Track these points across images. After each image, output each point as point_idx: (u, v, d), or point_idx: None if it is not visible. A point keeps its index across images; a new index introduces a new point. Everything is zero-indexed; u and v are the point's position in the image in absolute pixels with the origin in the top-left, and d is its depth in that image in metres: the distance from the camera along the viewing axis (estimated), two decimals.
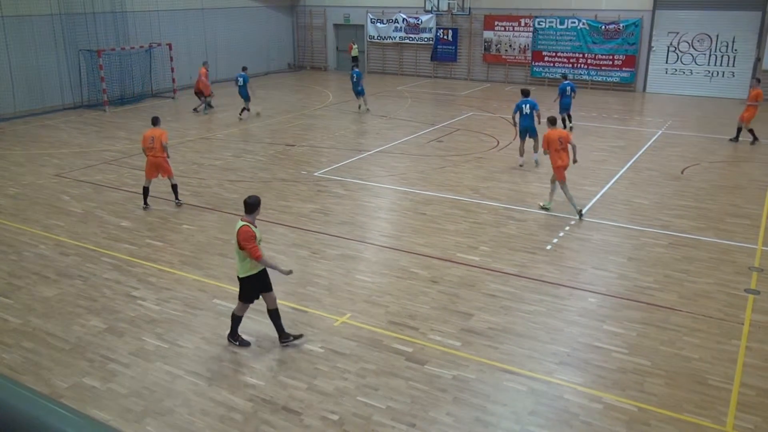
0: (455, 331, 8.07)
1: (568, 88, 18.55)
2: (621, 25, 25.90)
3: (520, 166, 15.39)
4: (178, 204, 12.75)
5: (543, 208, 12.46)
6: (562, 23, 27.06)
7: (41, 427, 1.61)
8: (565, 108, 18.71)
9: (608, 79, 26.73)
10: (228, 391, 6.88)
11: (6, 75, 20.90)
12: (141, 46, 24.42)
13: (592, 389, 6.91)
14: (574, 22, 26.81)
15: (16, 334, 8.03)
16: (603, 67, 26.78)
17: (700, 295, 8.99)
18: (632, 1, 25.70)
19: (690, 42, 25.19)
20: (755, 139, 17.83)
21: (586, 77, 27.16)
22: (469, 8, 28.74)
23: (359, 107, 22.19)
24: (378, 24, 31.37)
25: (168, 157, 12.31)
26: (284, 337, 7.71)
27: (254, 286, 7.50)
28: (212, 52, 28.29)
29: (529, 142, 15.65)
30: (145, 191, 12.58)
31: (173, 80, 25.22)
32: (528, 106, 15.56)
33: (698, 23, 24.84)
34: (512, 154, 16.66)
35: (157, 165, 12.26)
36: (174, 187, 12.72)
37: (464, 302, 8.81)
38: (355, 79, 21.70)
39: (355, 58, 30.43)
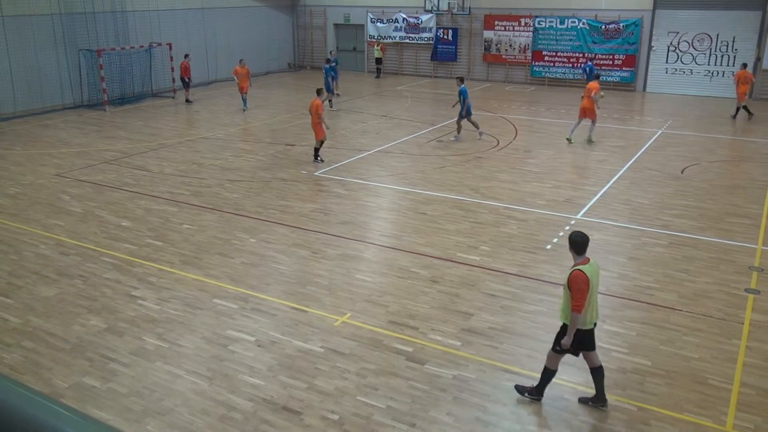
0: (455, 330, 8.08)
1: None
2: (621, 24, 25.90)
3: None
4: (318, 161, 15.60)
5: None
6: (562, 23, 27.05)
7: (41, 427, 1.61)
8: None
9: (608, 79, 26.70)
10: (228, 390, 6.89)
11: (6, 75, 20.90)
12: (141, 46, 24.42)
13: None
14: (574, 22, 26.81)
15: (16, 333, 8.03)
16: (603, 67, 26.74)
17: (700, 294, 8.99)
18: (632, 0, 25.69)
19: (690, 42, 25.19)
20: (750, 114, 20.40)
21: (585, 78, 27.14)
22: (469, 8, 28.74)
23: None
24: (378, 24, 31.36)
25: (322, 123, 15.28)
26: (599, 402, 6.56)
27: (581, 344, 6.35)
28: (212, 51, 28.29)
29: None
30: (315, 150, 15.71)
31: (173, 80, 25.20)
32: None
33: (698, 23, 24.84)
34: (512, 153, 16.67)
35: (313, 127, 15.43)
36: (316, 150, 15.64)
37: (464, 302, 8.81)
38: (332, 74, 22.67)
39: (379, 60, 30.23)
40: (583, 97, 17.70)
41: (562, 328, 6.39)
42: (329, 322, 8.28)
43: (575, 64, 27.16)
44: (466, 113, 17.60)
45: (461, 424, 6.36)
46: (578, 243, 6.27)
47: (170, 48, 24.94)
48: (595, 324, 6.36)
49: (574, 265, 6.24)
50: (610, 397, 6.74)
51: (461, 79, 18.09)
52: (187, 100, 23.63)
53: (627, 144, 17.81)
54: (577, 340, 6.29)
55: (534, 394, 6.63)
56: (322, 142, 15.67)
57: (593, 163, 15.71)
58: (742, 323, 8.26)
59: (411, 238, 11.09)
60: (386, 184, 14.22)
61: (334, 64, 23.04)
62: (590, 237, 11.00)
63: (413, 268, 9.92)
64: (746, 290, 9.16)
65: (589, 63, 25.04)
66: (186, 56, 23.52)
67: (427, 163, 15.77)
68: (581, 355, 6.47)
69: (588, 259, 6.30)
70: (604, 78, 26.69)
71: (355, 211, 12.54)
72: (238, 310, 8.59)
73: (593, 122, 17.82)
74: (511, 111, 22.43)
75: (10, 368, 7.27)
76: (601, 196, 13.32)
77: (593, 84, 17.58)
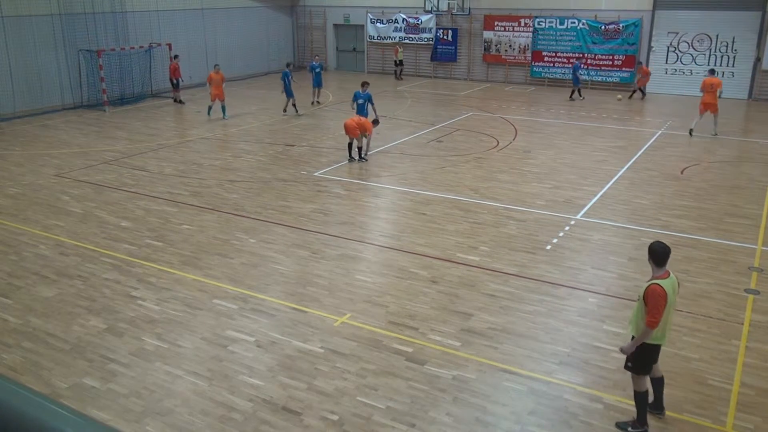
0: (455, 331, 8.07)
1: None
2: (621, 25, 25.90)
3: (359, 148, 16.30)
4: (362, 160, 15.74)
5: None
6: (561, 23, 27.05)
7: (41, 427, 1.61)
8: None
9: (608, 80, 26.72)
10: (228, 391, 6.88)
11: (6, 75, 20.89)
12: (141, 47, 24.41)
13: (592, 389, 6.91)
14: (574, 23, 26.81)
15: (16, 334, 8.03)
16: (603, 68, 26.78)
17: (700, 295, 8.99)
18: (632, 1, 25.69)
19: (690, 42, 25.19)
20: (642, 94, 24.49)
21: (586, 77, 27.13)
22: (469, 8, 28.74)
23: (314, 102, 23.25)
24: (378, 24, 31.37)
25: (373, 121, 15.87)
26: (657, 409, 6.43)
27: (650, 360, 6.15)
28: (212, 52, 28.27)
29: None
30: (349, 147, 15.79)
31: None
32: (362, 99, 16.85)
33: (698, 23, 24.83)
34: (512, 154, 16.67)
35: (358, 125, 15.46)
36: (359, 150, 15.73)
37: (464, 302, 8.81)
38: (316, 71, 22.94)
39: (400, 62, 29.97)
40: (705, 92, 18.19)
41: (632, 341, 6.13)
42: (329, 323, 8.28)
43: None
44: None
45: (461, 424, 6.36)
46: (658, 253, 5.88)
47: (170, 48, 24.93)
48: (663, 343, 6.12)
49: (652, 278, 5.88)
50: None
51: (364, 84, 17.22)
52: (177, 101, 23.64)
53: (627, 144, 17.81)
54: (645, 357, 6.04)
55: (638, 426, 6.21)
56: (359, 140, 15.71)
57: (593, 164, 15.71)
58: (742, 324, 8.26)
59: (410, 239, 11.09)
60: (386, 184, 14.22)
61: (309, 68, 22.93)
62: (590, 237, 11.08)
63: (413, 268, 9.91)
64: (746, 291, 9.16)
65: (576, 63, 25.33)
66: (175, 57, 23.51)
67: (427, 164, 15.77)
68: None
69: (668, 273, 5.93)
70: (604, 78, 26.74)
71: (354, 212, 12.53)
72: (238, 311, 8.59)
73: (716, 116, 18.28)
74: (511, 111, 22.43)
75: (10, 369, 7.27)
76: (600, 196, 13.32)
77: (716, 80, 18.29)
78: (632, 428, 6.26)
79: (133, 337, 7.95)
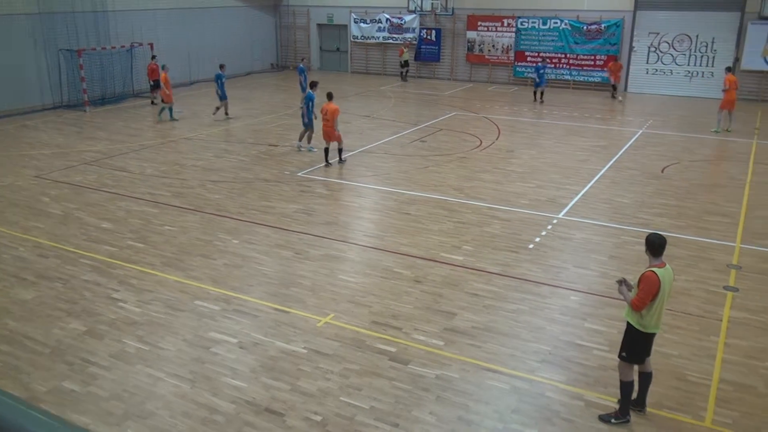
0: (438, 330, 8.09)
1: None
2: (602, 25, 26.11)
3: (308, 150, 16.71)
4: (340, 162, 15.54)
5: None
6: (544, 23, 27.21)
7: None
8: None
9: (590, 80, 26.92)
10: (210, 393, 6.84)
11: None
12: (122, 46, 24.22)
13: (574, 387, 6.96)
14: (557, 23, 26.98)
15: None
16: (585, 68, 26.97)
17: (680, 292, 9.08)
18: (613, 1, 25.90)
19: (670, 42, 25.45)
20: (614, 92, 24.93)
21: (568, 77, 27.35)
22: (453, 8, 28.82)
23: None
24: (361, 24, 31.35)
25: (335, 128, 15.04)
26: (639, 405, 6.51)
27: (643, 348, 6.30)
28: (194, 52, 28.10)
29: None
30: (325, 152, 15.46)
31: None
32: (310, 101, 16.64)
33: (678, 24, 25.10)
34: (495, 153, 16.74)
35: (328, 133, 15.12)
36: (339, 151, 15.53)
37: (447, 302, 8.83)
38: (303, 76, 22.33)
39: (405, 63, 29.35)
40: (727, 90, 18.80)
41: (627, 329, 6.28)
42: (312, 323, 8.26)
43: (557, 65, 27.33)
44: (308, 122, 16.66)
45: (444, 423, 6.38)
46: (655, 244, 6.10)
47: (152, 48, 24.75)
48: (656, 331, 6.25)
49: (649, 266, 6.10)
50: (591, 394, 6.79)
51: (313, 84, 16.80)
52: (154, 102, 23.19)
53: (608, 144, 17.95)
54: (637, 345, 6.20)
55: (620, 417, 6.36)
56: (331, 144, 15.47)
57: (575, 163, 15.82)
58: (721, 320, 8.37)
59: (394, 239, 11.10)
60: (369, 184, 14.22)
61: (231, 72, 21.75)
62: (572, 236, 11.16)
63: (396, 268, 9.92)
64: (725, 288, 9.27)
65: (539, 63, 25.06)
66: (153, 58, 23.12)
67: (411, 164, 15.79)
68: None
69: (664, 264, 6.11)
70: (586, 78, 26.94)
71: (338, 212, 12.52)
72: (220, 312, 8.55)
73: (730, 113, 19.06)
74: (494, 111, 22.52)
75: None
76: (582, 195, 13.42)
77: (733, 77, 19.05)
78: (615, 419, 6.37)
79: (114, 340, 7.88)
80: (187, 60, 27.74)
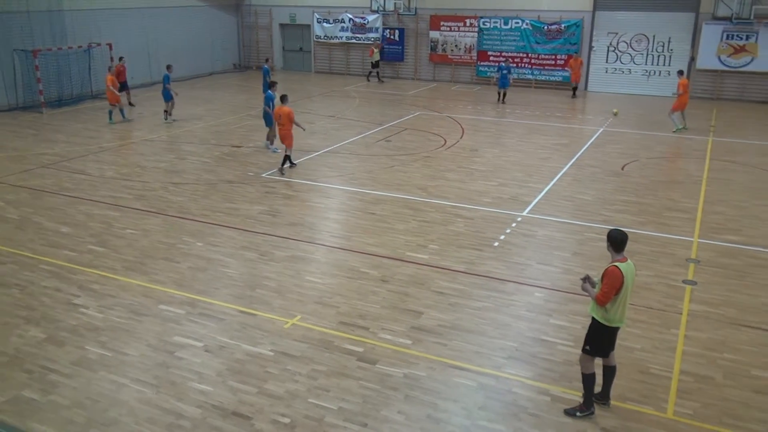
0: (405, 329, 8.11)
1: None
2: (563, 25, 26.51)
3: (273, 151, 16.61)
4: (288, 167, 14.99)
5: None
6: (506, 23, 27.52)
7: None
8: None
9: (551, 79, 27.30)
10: (175, 398, 6.74)
11: None
12: (79, 46, 23.69)
13: (540, 382, 7.06)
14: (518, 23, 27.30)
15: None
16: (546, 67, 27.35)
17: (641, 287, 9.27)
18: (573, 2, 26.33)
19: (628, 42, 25.98)
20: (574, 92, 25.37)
21: (530, 77, 27.70)
22: (416, 8, 28.94)
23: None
24: (324, 24, 31.26)
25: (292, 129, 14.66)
26: (603, 398, 6.62)
27: (606, 342, 6.39)
28: (154, 52, 27.65)
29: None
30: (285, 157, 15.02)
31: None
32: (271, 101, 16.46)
33: (636, 24, 25.65)
34: (459, 153, 16.86)
35: (284, 136, 14.71)
36: (287, 157, 14.96)
37: (414, 300, 8.86)
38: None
39: (377, 63, 28.99)
40: (681, 94, 19.05)
41: (591, 324, 6.38)
42: (279, 325, 8.21)
43: (519, 64, 27.65)
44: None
45: (412, 422, 6.40)
46: (617, 240, 6.18)
47: (110, 48, 24.28)
48: (620, 325, 6.35)
49: (612, 262, 6.20)
50: (556, 389, 6.89)
51: (272, 84, 16.75)
52: (129, 103, 22.63)
53: (570, 142, 18.24)
54: (601, 339, 6.31)
55: (585, 410, 6.48)
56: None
57: (537, 161, 16.02)
58: (681, 313, 8.57)
59: (360, 238, 11.09)
60: (334, 184, 14.18)
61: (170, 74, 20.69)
62: (535, 233, 11.30)
63: (363, 268, 9.92)
64: (684, 281, 9.50)
65: (501, 64, 24.98)
66: (120, 59, 22.68)
67: (376, 163, 15.80)
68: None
69: (626, 258, 6.22)
70: (548, 78, 27.32)
71: (303, 213, 12.46)
72: (185, 316, 8.43)
73: (683, 112, 19.51)
74: (458, 110, 22.69)
75: None
76: (545, 193, 13.60)
77: (686, 80, 19.24)
78: (580, 413, 6.49)
79: (75, 347, 7.70)
80: (147, 60, 27.28)
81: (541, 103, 24.35)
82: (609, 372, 6.59)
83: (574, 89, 25.55)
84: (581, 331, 8.00)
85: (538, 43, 27.15)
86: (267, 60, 23.69)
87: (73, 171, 14.99)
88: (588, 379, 6.45)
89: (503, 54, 27.78)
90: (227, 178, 14.51)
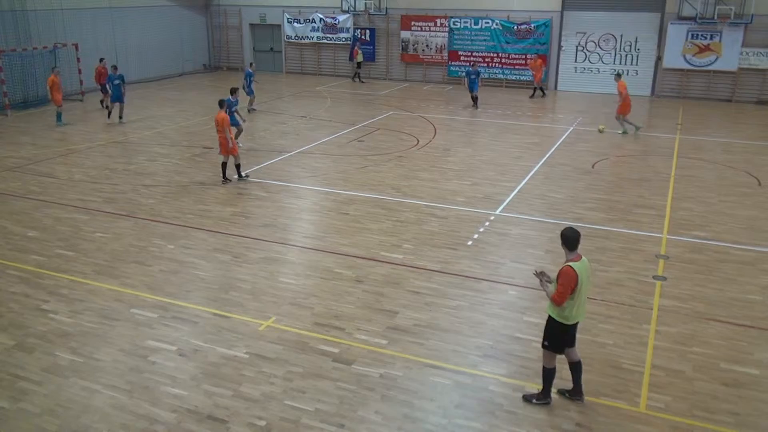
0: (381, 329, 8.12)
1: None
2: (532, 25, 26.77)
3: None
4: (240, 179, 14.18)
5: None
6: (476, 23, 27.69)
7: None
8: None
9: (521, 78, 27.55)
10: (149, 403, 6.65)
11: None
12: (44, 47, 23.22)
13: (516, 379, 7.12)
14: (488, 23, 27.49)
15: None
16: (516, 66, 27.59)
17: (613, 283, 9.41)
18: (542, 2, 26.60)
19: (596, 42, 26.34)
20: (541, 92, 25.50)
21: (501, 76, 27.92)
22: (386, 8, 28.96)
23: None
24: (295, 24, 31.11)
25: (229, 137, 13.72)
26: (576, 395, 6.73)
27: (563, 339, 6.47)
28: (122, 52, 27.25)
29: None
30: (222, 166, 14.09)
31: (81, 82, 24.15)
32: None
33: (604, 24, 26.02)
34: (432, 152, 16.92)
35: (221, 144, 13.83)
36: (237, 167, 14.16)
37: (389, 300, 8.87)
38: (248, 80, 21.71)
39: (359, 65, 28.88)
40: (625, 95, 19.09)
41: (548, 321, 6.48)
42: (253, 327, 8.15)
43: (490, 64, 27.85)
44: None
45: (389, 422, 6.41)
46: (570, 238, 6.24)
47: (77, 49, 23.84)
48: (578, 322, 6.45)
49: (566, 261, 6.26)
50: (533, 386, 6.95)
51: (233, 90, 16.52)
52: (106, 106, 21.40)
53: (541, 141, 18.42)
54: (559, 336, 6.42)
55: (541, 398, 6.66)
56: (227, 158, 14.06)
57: (509, 160, 16.16)
58: (651, 309, 8.72)
59: (334, 239, 11.07)
60: (307, 185, 14.13)
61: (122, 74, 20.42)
62: (509, 231, 11.39)
63: (337, 268, 9.90)
64: (654, 277, 9.67)
65: (469, 68, 24.76)
66: (101, 60, 22.08)
67: (348, 163, 15.78)
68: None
69: (580, 257, 6.29)
70: (518, 77, 27.56)
71: (276, 214, 12.39)
72: (158, 320, 8.32)
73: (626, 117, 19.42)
74: (430, 110, 22.77)
75: None
76: (518, 191, 13.72)
77: (625, 83, 19.34)
78: (536, 400, 6.68)
79: (45, 353, 7.56)
80: (116, 61, 26.79)
81: (512, 102, 24.55)
82: (575, 368, 6.68)
83: (535, 89, 25.55)
84: None
85: (508, 42, 27.37)
86: (251, 64, 23.41)
87: (39, 174, 14.69)
88: (548, 373, 6.60)
89: (474, 54, 27.95)
90: (199, 180, 14.36)
